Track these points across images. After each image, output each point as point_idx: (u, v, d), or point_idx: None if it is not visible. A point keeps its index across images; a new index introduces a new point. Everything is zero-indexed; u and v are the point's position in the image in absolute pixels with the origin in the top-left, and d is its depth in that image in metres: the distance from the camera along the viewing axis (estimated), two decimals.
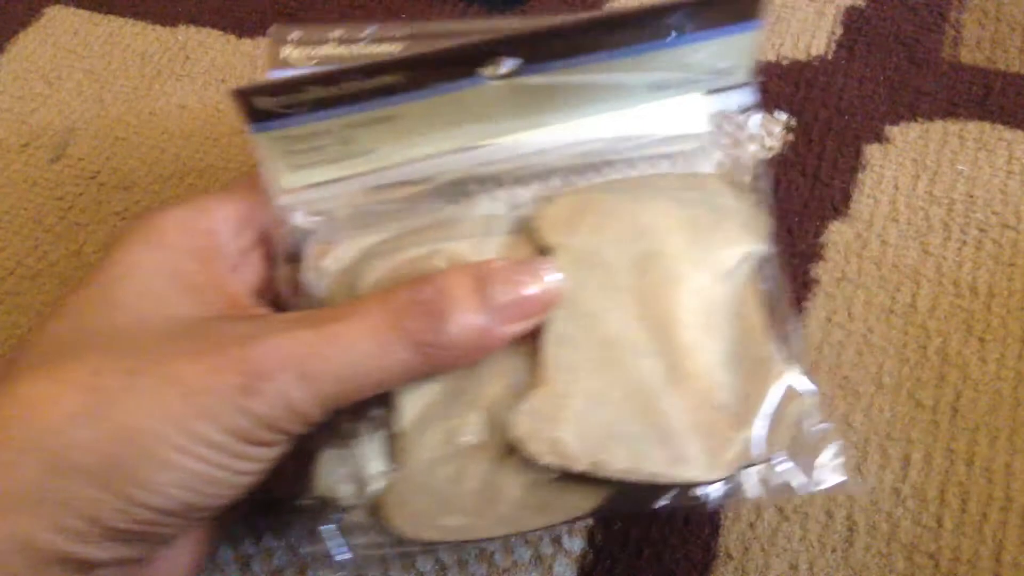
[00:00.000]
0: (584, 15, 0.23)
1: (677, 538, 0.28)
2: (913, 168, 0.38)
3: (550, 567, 0.28)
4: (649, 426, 0.22)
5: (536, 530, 0.23)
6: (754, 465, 0.23)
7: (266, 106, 0.22)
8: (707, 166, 0.26)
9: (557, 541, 0.28)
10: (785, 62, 0.42)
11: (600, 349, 0.23)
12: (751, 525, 0.29)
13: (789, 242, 0.36)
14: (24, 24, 0.47)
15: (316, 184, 0.25)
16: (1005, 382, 0.31)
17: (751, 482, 0.23)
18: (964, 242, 0.35)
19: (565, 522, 0.23)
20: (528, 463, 0.22)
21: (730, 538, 0.28)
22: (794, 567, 0.28)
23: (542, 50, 0.23)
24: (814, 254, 0.35)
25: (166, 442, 0.20)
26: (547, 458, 0.22)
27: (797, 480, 0.23)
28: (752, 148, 0.27)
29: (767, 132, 0.39)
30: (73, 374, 0.20)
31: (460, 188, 0.25)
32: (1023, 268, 0.34)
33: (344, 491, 0.23)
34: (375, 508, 0.23)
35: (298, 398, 0.21)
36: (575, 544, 0.28)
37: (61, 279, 0.37)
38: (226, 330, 0.22)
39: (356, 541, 0.23)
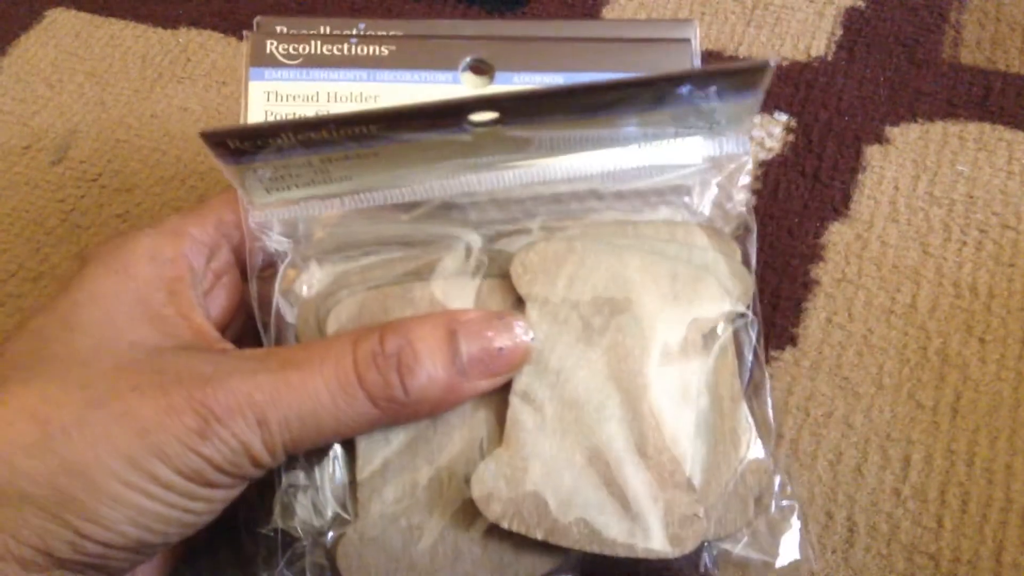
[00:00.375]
0: (589, 83, 0.22)
1: None
2: (913, 169, 0.38)
3: None
4: (610, 496, 0.22)
5: None
6: (715, 540, 0.23)
7: (237, 146, 0.21)
8: (699, 203, 0.26)
9: None
10: (785, 63, 0.42)
11: (566, 410, 0.22)
12: None
13: (789, 243, 0.36)
14: (25, 27, 0.47)
15: (293, 201, 0.24)
16: (1005, 383, 0.31)
17: (710, 555, 0.23)
18: (964, 243, 0.35)
19: None
20: (487, 523, 0.22)
21: None
22: (794, 568, 0.28)
23: (535, 110, 0.22)
24: (814, 255, 0.35)
25: (116, 478, 0.20)
26: (505, 522, 0.22)
27: (754, 555, 0.23)
28: (741, 197, 0.26)
29: (767, 133, 0.39)
30: (24, 400, 0.20)
31: (441, 213, 0.25)
32: (1023, 269, 0.34)
33: (303, 527, 0.23)
34: (330, 556, 0.23)
35: (253, 443, 0.21)
36: None
37: (62, 281, 0.37)
38: (185, 366, 0.21)
39: None
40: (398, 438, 0.23)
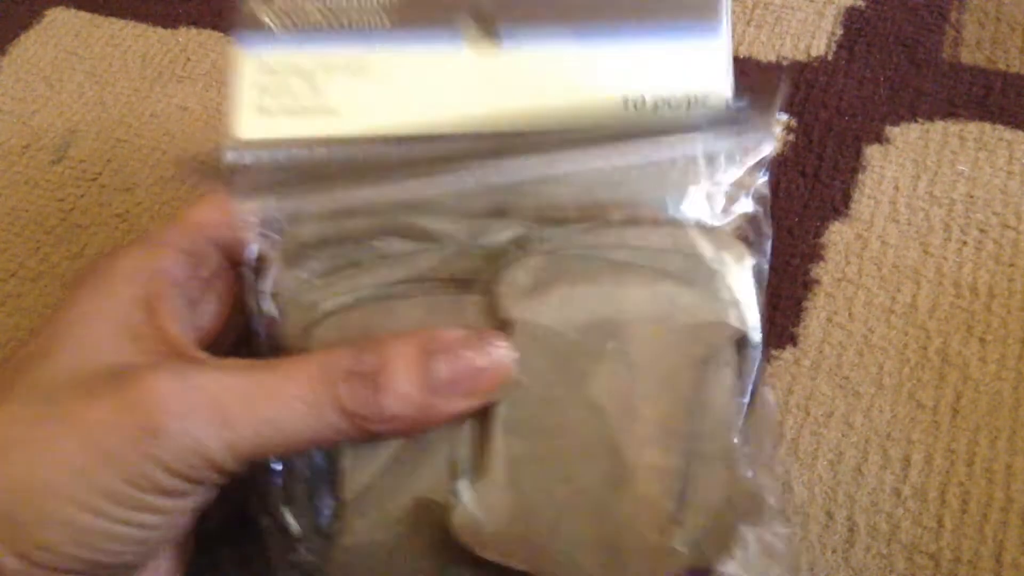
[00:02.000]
0: (598, 133, 0.22)
1: None
2: (913, 168, 0.38)
3: None
4: (591, 531, 0.22)
5: None
6: (698, 568, 0.22)
7: (264, 18, 0.22)
8: (707, 199, 0.25)
9: None
10: (785, 63, 0.42)
11: (549, 439, 0.22)
12: None
13: (789, 242, 0.36)
14: (25, 26, 0.47)
15: (279, 196, 0.24)
16: (1006, 383, 0.31)
17: None
18: (964, 242, 0.35)
19: None
20: (468, 552, 0.22)
21: None
22: (794, 568, 0.28)
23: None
24: (814, 255, 0.35)
25: (61, 497, 0.19)
26: (486, 553, 0.21)
27: None
28: (756, 195, 0.25)
29: None
30: None
31: (426, 210, 0.24)
32: (1023, 269, 0.34)
33: (293, 524, 0.22)
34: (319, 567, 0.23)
35: (210, 445, 0.20)
36: None
37: (62, 281, 0.37)
38: (147, 372, 0.20)
39: None
40: (381, 457, 0.22)
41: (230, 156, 0.24)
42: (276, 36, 0.24)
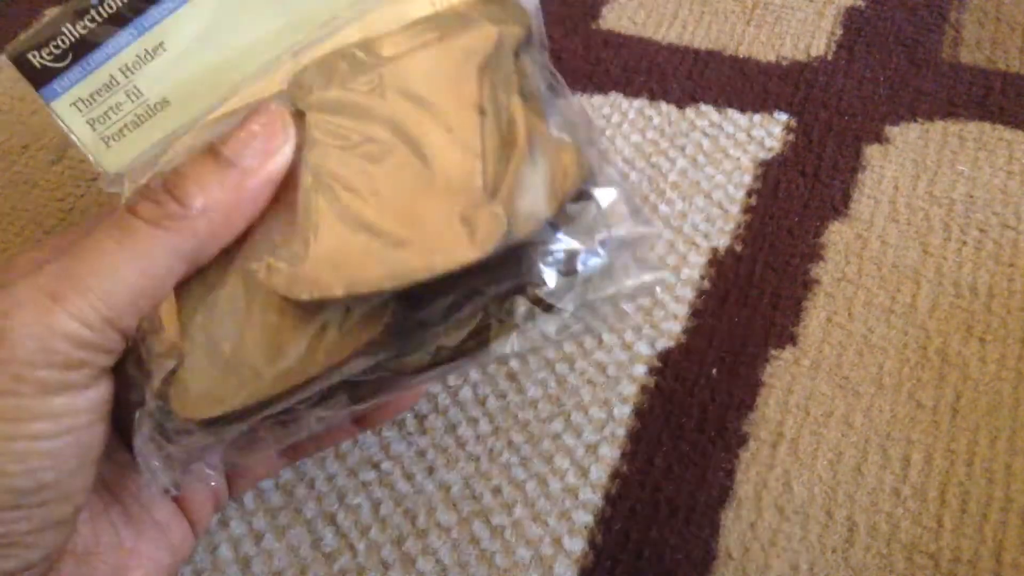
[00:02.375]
0: None
1: (677, 538, 0.28)
2: (913, 168, 0.38)
3: (551, 567, 0.28)
4: (402, 233, 0.21)
5: (328, 377, 0.22)
6: (527, 243, 0.21)
7: (40, 61, 0.23)
8: None
9: (558, 542, 0.28)
10: (785, 63, 0.42)
11: (348, 181, 0.22)
12: (751, 525, 0.29)
13: (789, 242, 0.36)
14: (25, 26, 0.47)
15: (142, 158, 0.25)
16: (1005, 383, 0.31)
17: (549, 275, 0.21)
18: (964, 242, 0.35)
19: (359, 357, 0.21)
20: (304, 310, 0.21)
21: (730, 538, 0.28)
22: (794, 567, 0.28)
23: None
24: (814, 254, 0.35)
25: None
26: (306, 294, 0.21)
27: (587, 261, 0.21)
28: None
29: (767, 132, 0.39)
30: None
31: None
32: (1023, 269, 0.34)
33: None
34: (169, 407, 0.22)
35: (103, 309, 0.20)
36: (576, 544, 0.28)
37: None
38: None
39: (171, 448, 0.22)
40: (202, 283, 0.23)
41: (112, 189, 0.25)
42: (66, 72, 0.24)
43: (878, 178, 0.38)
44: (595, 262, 0.21)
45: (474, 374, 0.32)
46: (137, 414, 0.22)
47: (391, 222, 0.22)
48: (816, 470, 0.30)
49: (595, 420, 0.31)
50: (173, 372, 0.22)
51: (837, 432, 0.30)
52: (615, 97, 0.41)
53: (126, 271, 0.21)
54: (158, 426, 0.22)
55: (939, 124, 0.39)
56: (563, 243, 0.21)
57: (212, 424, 0.22)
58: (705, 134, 0.40)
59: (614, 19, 0.45)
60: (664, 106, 0.41)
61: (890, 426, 0.30)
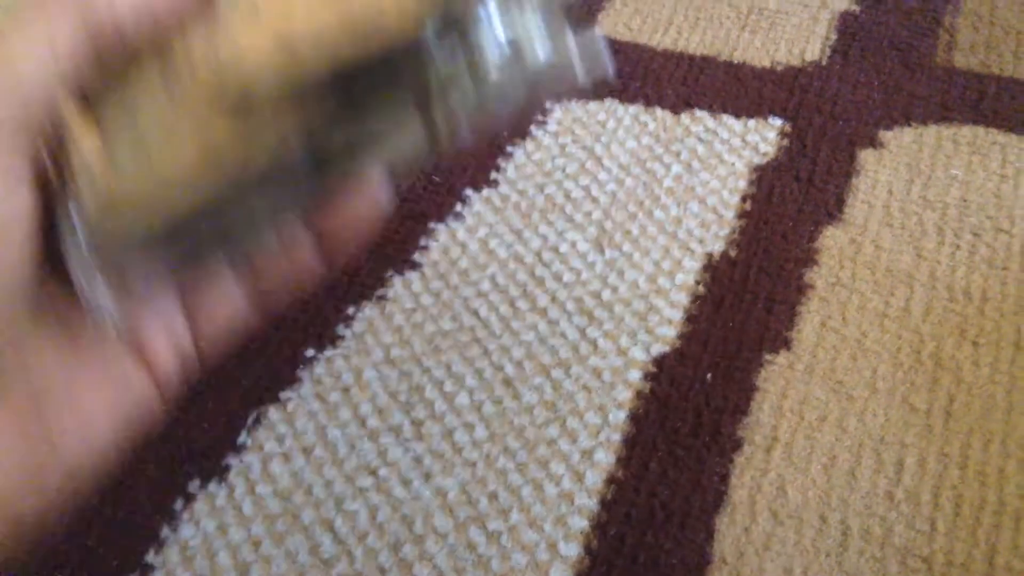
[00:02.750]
0: None
1: (672, 543, 0.29)
2: (907, 173, 0.38)
3: (547, 572, 0.28)
4: (335, 18, 0.19)
5: (264, 164, 0.21)
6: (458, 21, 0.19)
7: None
8: None
9: (554, 547, 0.29)
10: (779, 68, 0.43)
11: None
12: (746, 530, 0.29)
13: (783, 247, 0.36)
14: None
15: None
16: (998, 386, 0.31)
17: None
18: (958, 246, 0.35)
19: (291, 141, 0.20)
20: (234, 99, 0.20)
21: (725, 543, 0.29)
22: (788, 571, 0.28)
23: None
24: (808, 259, 0.35)
25: None
26: (234, 73, 0.19)
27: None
28: None
29: (761, 137, 0.40)
30: None
31: None
32: (1016, 272, 0.34)
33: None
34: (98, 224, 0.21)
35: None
36: (571, 549, 0.29)
37: None
38: None
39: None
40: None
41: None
42: None
43: (872, 182, 0.38)
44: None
45: (470, 380, 0.33)
46: (66, 238, 0.21)
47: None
48: (810, 474, 0.30)
49: (590, 425, 0.31)
50: (96, 186, 0.21)
51: (831, 436, 0.31)
52: (610, 103, 0.42)
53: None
54: (91, 247, 0.21)
55: (933, 128, 0.39)
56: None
57: (150, 239, 0.21)
58: (700, 139, 0.40)
59: (609, 25, 0.46)
60: (659, 112, 0.41)
61: (884, 430, 0.31)
